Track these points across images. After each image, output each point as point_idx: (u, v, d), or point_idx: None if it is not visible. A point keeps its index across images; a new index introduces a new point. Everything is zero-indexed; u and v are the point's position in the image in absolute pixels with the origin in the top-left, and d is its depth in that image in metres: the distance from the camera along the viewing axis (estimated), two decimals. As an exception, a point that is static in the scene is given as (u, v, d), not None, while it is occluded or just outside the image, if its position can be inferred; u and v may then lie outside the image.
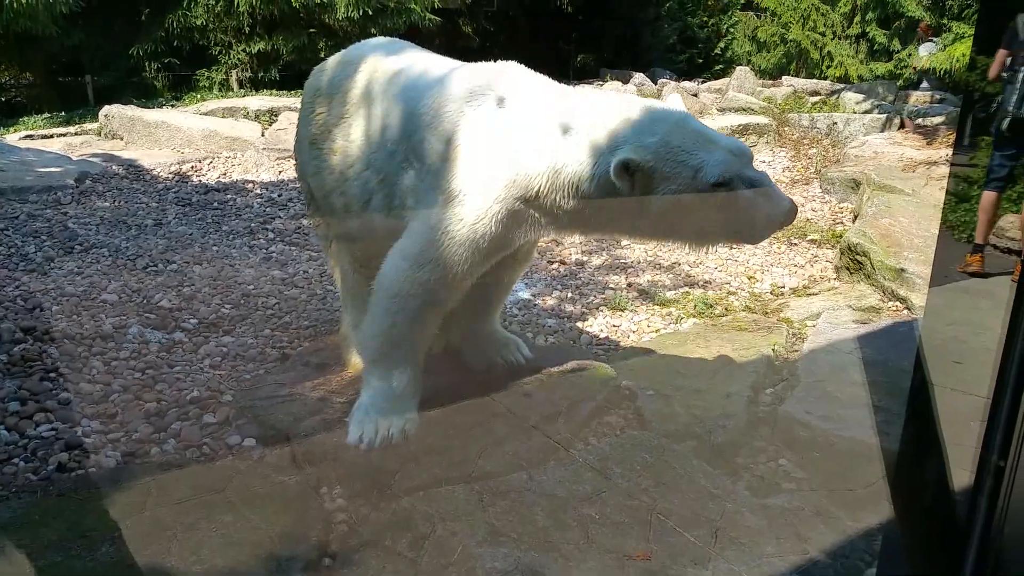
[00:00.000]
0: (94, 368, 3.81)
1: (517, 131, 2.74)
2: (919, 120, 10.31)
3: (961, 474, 1.87)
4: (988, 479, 1.62)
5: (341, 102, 3.36)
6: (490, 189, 2.75)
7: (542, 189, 2.71)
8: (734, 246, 6.19)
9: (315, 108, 3.48)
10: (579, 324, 4.65)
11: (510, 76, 2.91)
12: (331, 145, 3.37)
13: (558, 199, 2.72)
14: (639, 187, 2.57)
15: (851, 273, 5.45)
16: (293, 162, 4.12)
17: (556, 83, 2.95)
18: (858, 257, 5.39)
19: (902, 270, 4.95)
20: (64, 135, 9.74)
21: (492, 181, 2.75)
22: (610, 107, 2.72)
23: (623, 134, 2.61)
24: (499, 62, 3.00)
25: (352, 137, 3.27)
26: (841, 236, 6.11)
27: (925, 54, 12.41)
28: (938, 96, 12.65)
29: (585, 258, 5.92)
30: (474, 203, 2.77)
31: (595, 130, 2.65)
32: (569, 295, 5.11)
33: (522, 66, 2.99)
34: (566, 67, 16.86)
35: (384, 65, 3.30)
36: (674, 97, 2.95)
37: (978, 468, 1.64)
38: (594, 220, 2.81)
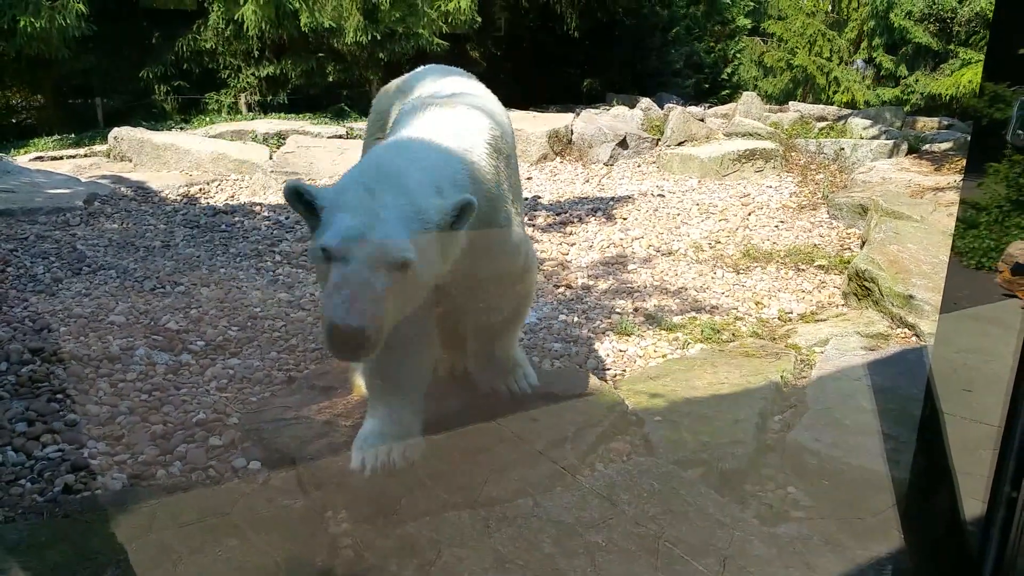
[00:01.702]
0: (101, 389, 3.81)
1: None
2: (926, 146, 10.32)
3: (973, 504, 1.85)
4: (1000, 510, 1.61)
5: (382, 129, 3.51)
6: None
7: None
8: (756, 266, 6.19)
9: (371, 132, 3.71)
10: (585, 349, 4.64)
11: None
12: None
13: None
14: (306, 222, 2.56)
15: (859, 299, 5.43)
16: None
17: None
18: (866, 283, 5.38)
19: (911, 296, 4.94)
20: (73, 157, 9.80)
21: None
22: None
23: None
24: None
25: None
26: (849, 262, 6.10)
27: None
28: (946, 122, 12.68)
29: (592, 282, 5.92)
30: None
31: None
32: (575, 319, 5.11)
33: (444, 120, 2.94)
34: (573, 92, 16.94)
35: (410, 94, 3.39)
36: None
37: (990, 499, 1.63)
38: None
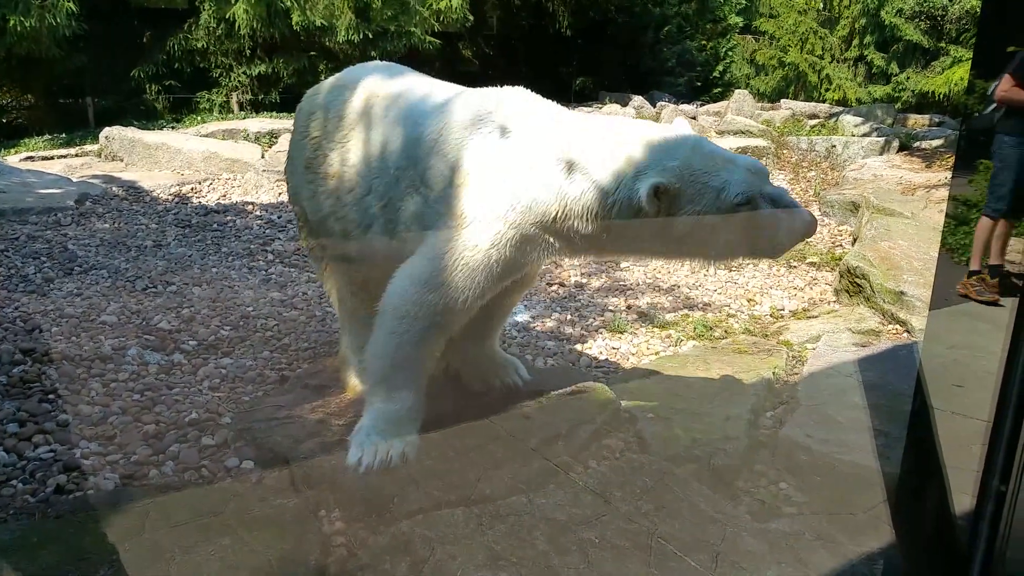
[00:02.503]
0: (93, 390, 3.80)
1: (531, 157, 2.76)
2: (918, 144, 10.36)
3: (963, 498, 1.86)
4: (990, 504, 1.62)
5: (337, 126, 3.36)
6: (505, 215, 2.76)
7: (558, 214, 2.73)
8: (748, 263, 6.21)
9: (309, 131, 3.48)
10: (578, 346, 4.65)
11: (517, 101, 2.95)
12: (327, 169, 3.36)
13: (575, 224, 2.74)
14: (665, 209, 2.63)
15: (850, 296, 5.45)
16: (285, 185, 4.12)
17: (563, 108, 2.99)
18: (857, 280, 5.40)
19: (902, 293, 4.96)
20: (65, 157, 9.77)
21: (507, 207, 2.76)
22: (626, 133, 2.77)
23: (644, 159, 2.66)
24: (506, 87, 3.03)
25: (350, 162, 3.26)
26: (840, 259, 6.12)
27: None
28: (937, 120, 12.73)
29: (584, 280, 5.92)
30: (488, 228, 2.78)
31: (614, 156, 2.68)
32: (568, 317, 5.11)
33: (528, 92, 3.03)
34: (566, 90, 16.96)
35: (383, 89, 3.31)
36: (680, 121, 2.98)
37: (979, 493, 1.63)
38: (611, 242, 2.84)
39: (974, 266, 4.51)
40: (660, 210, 2.62)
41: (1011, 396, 1.57)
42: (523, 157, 2.78)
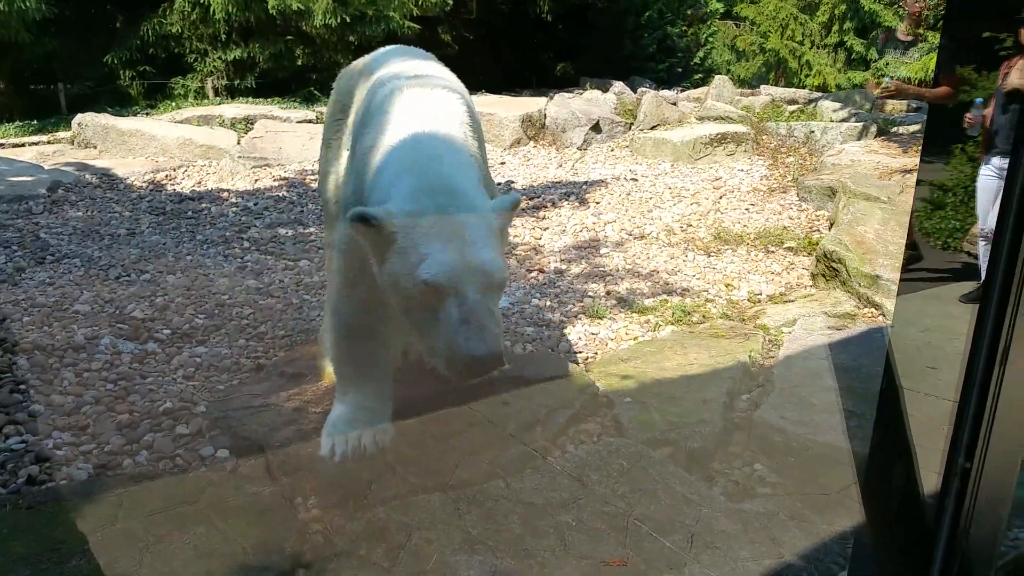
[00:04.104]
0: (65, 379, 3.76)
1: (380, 152, 2.71)
2: (895, 129, 10.42)
3: (933, 478, 1.88)
4: (955, 481, 1.64)
5: (344, 111, 3.45)
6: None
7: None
8: (727, 249, 6.22)
9: (332, 113, 3.62)
10: (558, 332, 4.65)
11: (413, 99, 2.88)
12: (336, 154, 3.46)
13: None
14: (371, 244, 2.47)
15: (827, 280, 5.49)
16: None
17: (448, 106, 2.88)
18: (834, 264, 5.43)
19: (877, 277, 5.00)
20: (36, 144, 9.62)
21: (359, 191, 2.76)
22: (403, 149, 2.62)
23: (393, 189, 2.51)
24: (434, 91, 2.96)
25: (347, 147, 3.34)
26: (817, 243, 6.16)
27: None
28: (914, 105, 12.80)
29: (564, 266, 5.92)
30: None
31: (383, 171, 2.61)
32: (548, 303, 5.11)
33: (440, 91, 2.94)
34: (546, 76, 16.89)
35: (373, 75, 3.33)
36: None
37: (945, 470, 1.65)
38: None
39: None
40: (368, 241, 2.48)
41: (976, 373, 1.58)
42: (381, 151, 2.72)
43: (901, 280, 4.22)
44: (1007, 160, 1.42)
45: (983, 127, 3.89)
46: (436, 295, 2.31)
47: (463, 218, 2.37)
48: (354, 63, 3.72)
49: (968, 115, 3.53)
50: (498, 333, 2.35)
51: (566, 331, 4.68)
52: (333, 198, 3.45)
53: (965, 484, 1.58)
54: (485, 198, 2.53)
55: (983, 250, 4.48)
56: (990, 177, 4.04)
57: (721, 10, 24.57)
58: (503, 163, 9.63)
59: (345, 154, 3.38)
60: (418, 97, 2.88)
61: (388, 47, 3.77)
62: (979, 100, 3.51)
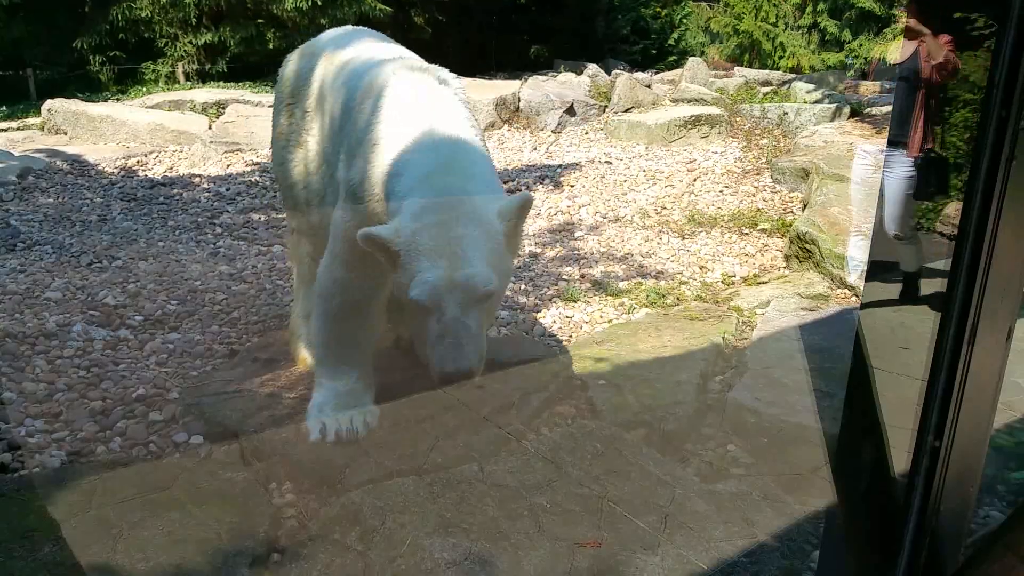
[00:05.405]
0: (37, 367, 3.72)
1: (393, 137, 2.70)
2: (868, 110, 10.49)
3: (904, 456, 1.91)
4: (924, 459, 1.66)
5: (303, 94, 3.40)
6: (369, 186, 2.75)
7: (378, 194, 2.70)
8: (701, 231, 6.25)
9: (283, 97, 3.53)
10: (532, 316, 4.66)
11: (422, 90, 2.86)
12: (297, 138, 3.41)
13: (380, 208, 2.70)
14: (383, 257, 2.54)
15: (800, 261, 5.53)
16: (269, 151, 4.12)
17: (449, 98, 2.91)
18: (807, 245, 5.48)
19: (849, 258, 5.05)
20: (6, 130, 9.48)
21: (369, 179, 2.74)
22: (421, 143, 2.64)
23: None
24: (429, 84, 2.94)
25: (312, 132, 3.31)
26: (791, 225, 6.20)
27: None
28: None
29: (539, 250, 5.93)
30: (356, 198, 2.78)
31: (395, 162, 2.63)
32: (523, 287, 5.12)
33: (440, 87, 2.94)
34: (520, 58, 16.81)
35: (337, 57, 3.30)
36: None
37: (915, 449, 1.68)
38: None
39: None
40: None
41: (944, 353, 1.61)
42: (392, 136, 2.71)
43: (870, 261, 4.27)
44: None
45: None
46: (422, 310, 2.45)
47: (464, 231, 2.44)
48: (303, 46, 3.65)
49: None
50: (475, 348, 2.47)
51: (541, 314, 4.69)
52: (300, 183, 3.41)
53: (935, 463, 1.61)
54: (495, 201, 2.54)
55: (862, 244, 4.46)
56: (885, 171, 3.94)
57: (695, -9, 24.56)
58: (478, 147, 9.59)
59: (311, 139, 3.34)
60: (419, 87, 2.85)
61: (339, 28, 3.74)
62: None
